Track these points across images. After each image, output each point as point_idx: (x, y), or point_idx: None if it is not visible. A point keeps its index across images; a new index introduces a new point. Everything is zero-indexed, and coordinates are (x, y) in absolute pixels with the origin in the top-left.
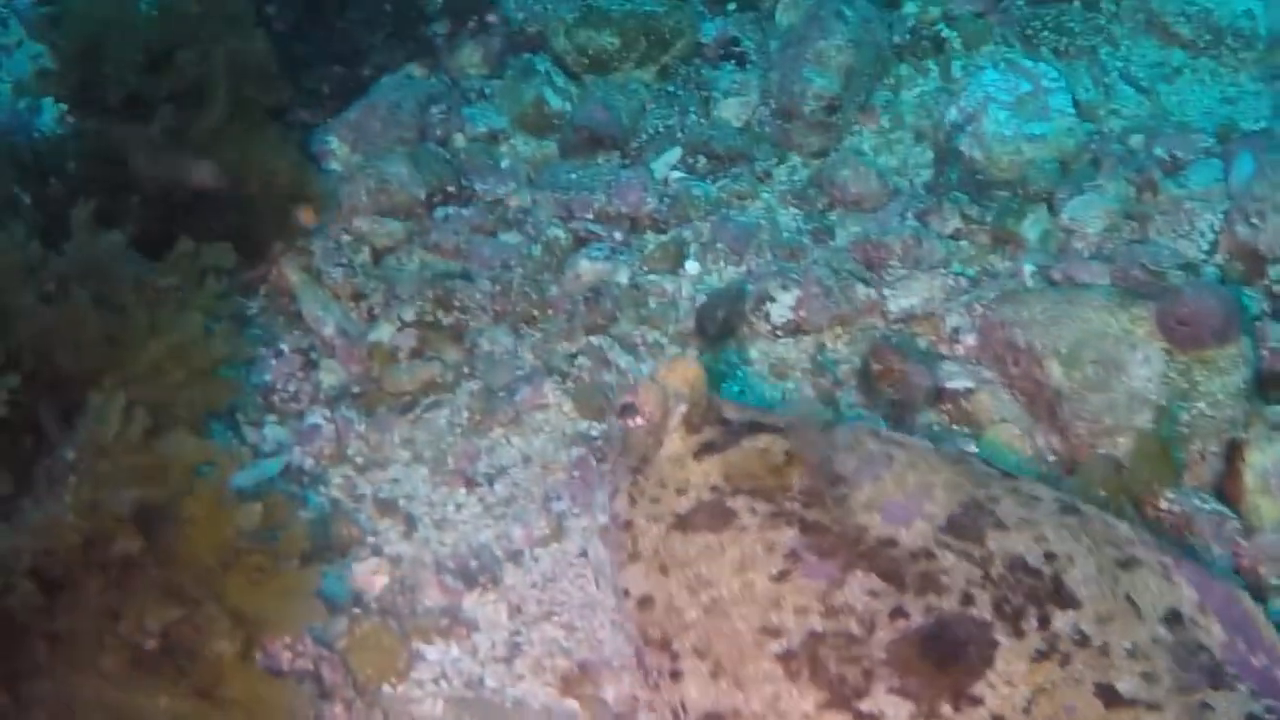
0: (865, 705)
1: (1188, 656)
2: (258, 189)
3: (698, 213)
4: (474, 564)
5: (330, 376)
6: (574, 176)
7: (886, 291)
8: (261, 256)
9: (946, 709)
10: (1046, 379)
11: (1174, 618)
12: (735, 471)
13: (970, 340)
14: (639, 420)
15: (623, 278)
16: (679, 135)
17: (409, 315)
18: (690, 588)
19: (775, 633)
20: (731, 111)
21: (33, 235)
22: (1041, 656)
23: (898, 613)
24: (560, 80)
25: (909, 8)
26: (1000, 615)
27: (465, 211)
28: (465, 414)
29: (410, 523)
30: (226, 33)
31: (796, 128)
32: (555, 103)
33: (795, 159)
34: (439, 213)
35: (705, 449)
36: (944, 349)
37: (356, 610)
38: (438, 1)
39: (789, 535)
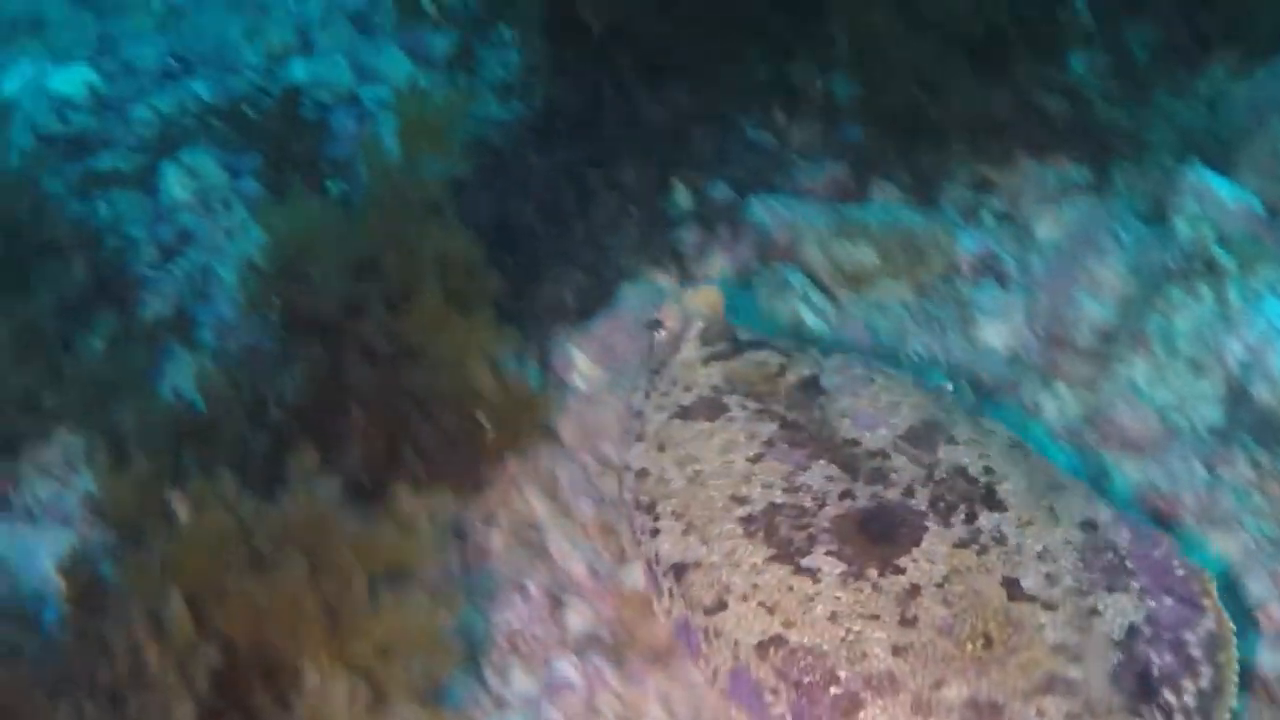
0: (805, 561)
1: (1093, 557)
2: (482, 396)
3: None
4: None
5: (579, 620)
6: None
7: None
8: (491, 471)
9: (873, 573)
10: None
11: (1089, 525)
12: (734, 376)
13: (1278, 613)
14: (663, 333)
15: None
16: (941, 361)
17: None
18: (680, 463)
19: (742, 501)
20: (995, 335)
21: (247, 483)
22: (962, 545)
23: (847, 495)
24: (816, 297)
25: (1179, 226)
26: (934, 509)
27: None
28: None
29: None
30: (431, 231)
31: (1066, 356)
32: (811, 321)
33: (1063, 390)
34: None
35: (713, 357)
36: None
37: None
38: (683, 205)
39: (770, 428)
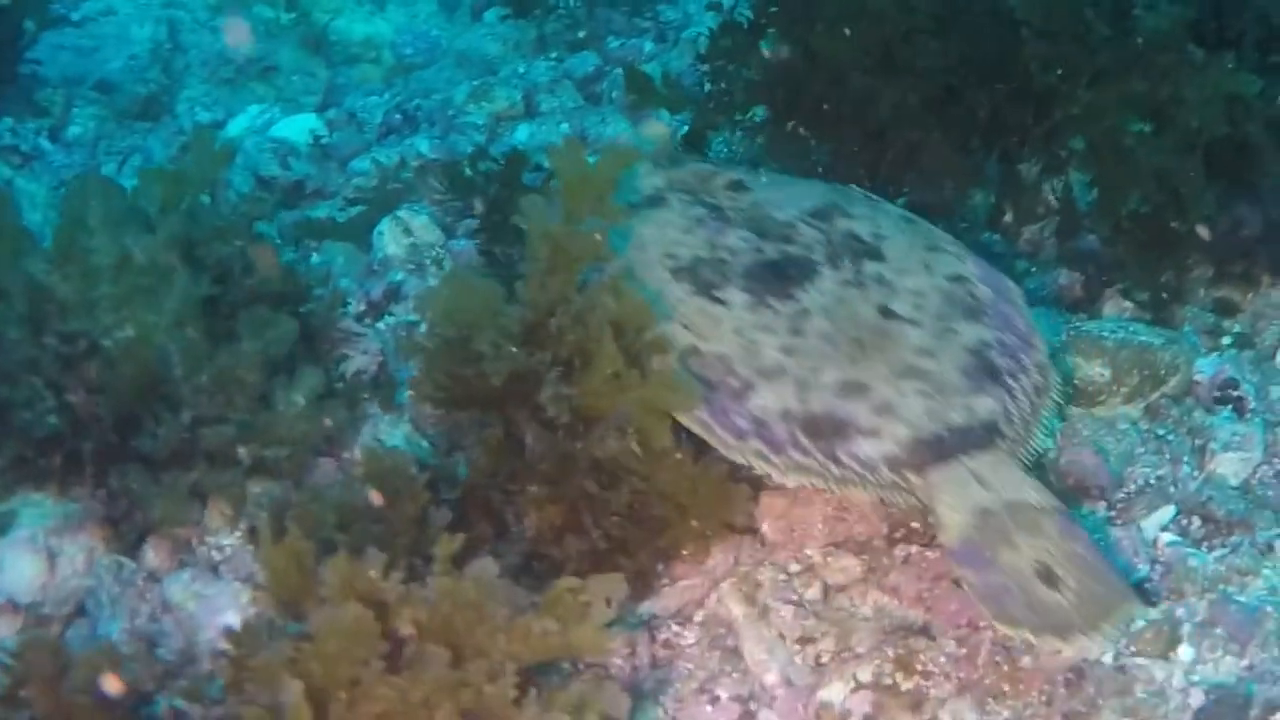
0: (718, 293)
1: (956, 299)
2: (666, 471)
3: (1194, 588)
4: None
5: None
6: None
7: None
8: (681, 548)
9: (772, 301)
10: None
11: (956, 278)
12: (675, 179)
13: None
14: None
15: (1107, 657)
16: (1171, 490)
17: (865, 675)
18: (634, 244)
19: (673, 257)
20: (1230, 468)
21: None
22: (847, 284)
23: (758, 250)
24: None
25: None
26: (828, 259)
27: (930, 554)
28: None
29: None
30: (600, 293)
31: None
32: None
33: None
34: (900, 551)
35: (660, 169)
36: None
37: None
38: None
39: (700, 211)
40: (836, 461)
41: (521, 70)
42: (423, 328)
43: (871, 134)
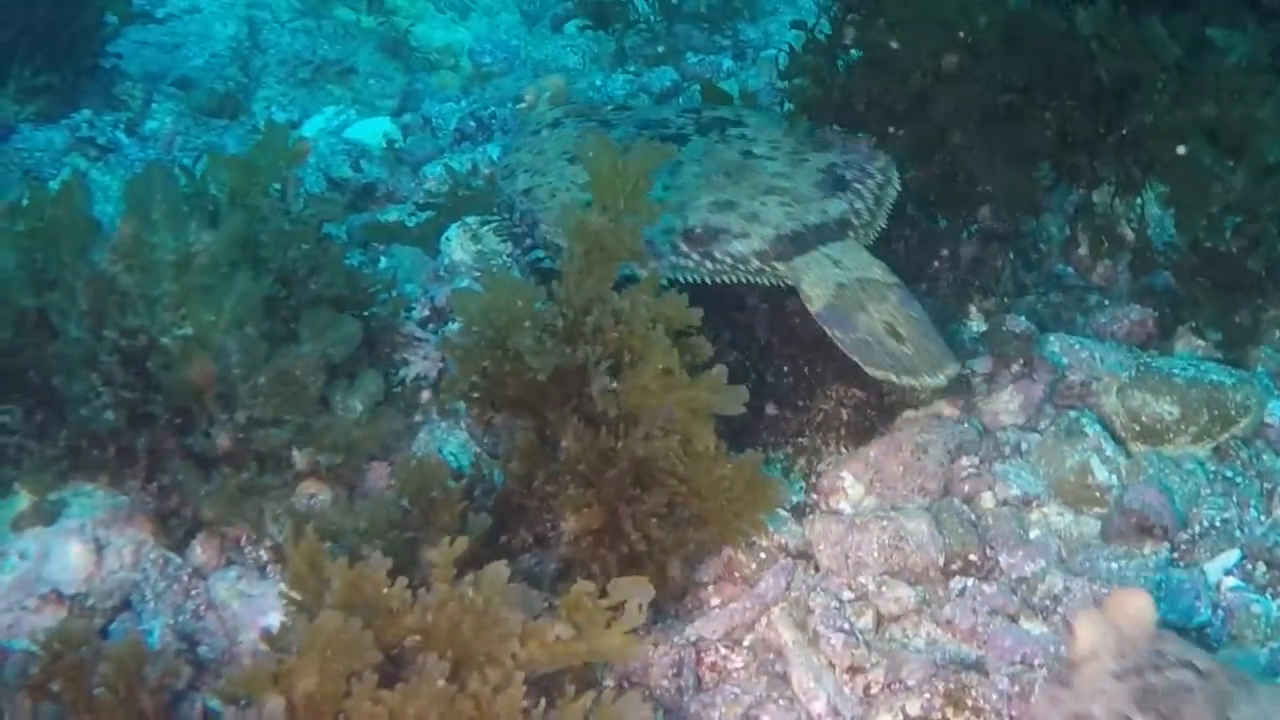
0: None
1: (809, 141)
2: (703, 470)
3: (1256, 635)
4: None
5: None
6: (1115, 566)
7: None
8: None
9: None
10: None
11: (807, 130)
12: (571, 111)
13: None
14: (524, 104)
15: None
16: (1237, 534)
17: (914, 709)
18: (536, 152)
19: (567, 152)
20: None
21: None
22: (715, 142)
23: (639, 136)
24: (1109, 448)
25: None
26: (698, 132)
27: (986, 588)
28: None
29: None
30: (640, 293)
31: None
32: (1100, 474)
33: None
34: (955, 583)
35: (558, 108)
36: None
37: None
38: (974, 330)
39: (591, 124)
40: (712, 260)
41: (599, 82)
42: (455, 326)
43: (933, 141)
